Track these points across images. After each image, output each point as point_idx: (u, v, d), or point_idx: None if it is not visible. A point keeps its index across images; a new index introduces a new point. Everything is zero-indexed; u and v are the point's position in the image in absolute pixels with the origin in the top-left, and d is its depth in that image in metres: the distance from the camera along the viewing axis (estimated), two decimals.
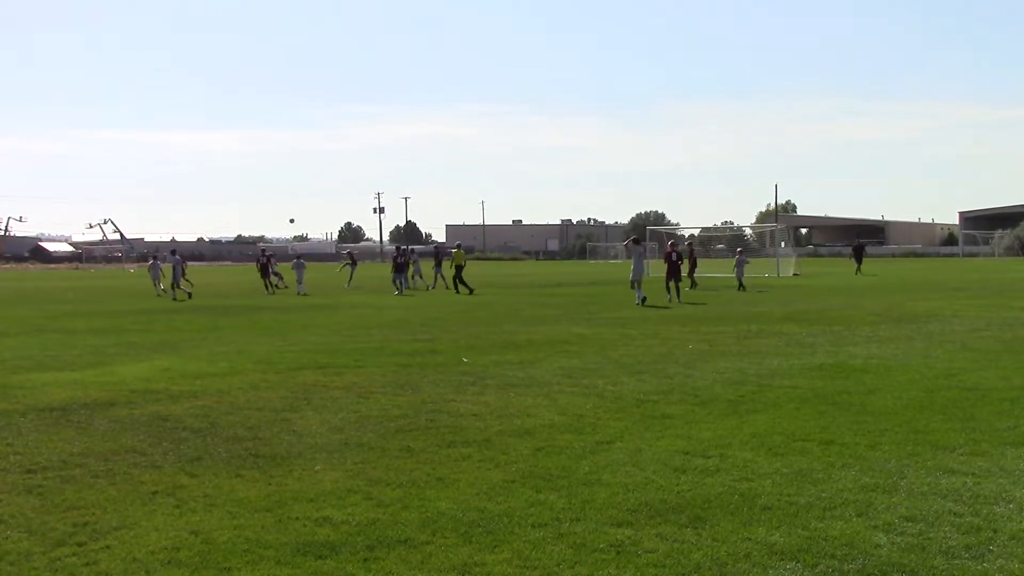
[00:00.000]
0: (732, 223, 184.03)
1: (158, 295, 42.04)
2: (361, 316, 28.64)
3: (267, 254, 46.47)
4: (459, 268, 42.84)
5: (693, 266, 43.26)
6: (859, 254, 64.24)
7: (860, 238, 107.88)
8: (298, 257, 46.06)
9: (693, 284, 42.01)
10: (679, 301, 32.63)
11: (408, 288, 43.63)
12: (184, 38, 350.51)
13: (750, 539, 6.79)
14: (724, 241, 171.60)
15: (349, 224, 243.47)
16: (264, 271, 45.13)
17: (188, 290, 40.14)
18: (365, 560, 6.47)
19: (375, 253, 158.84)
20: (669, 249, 35.14)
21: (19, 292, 49.49)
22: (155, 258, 46.49)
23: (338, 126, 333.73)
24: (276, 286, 45.05)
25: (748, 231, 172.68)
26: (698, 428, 10.63)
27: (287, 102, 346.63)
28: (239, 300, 38.67)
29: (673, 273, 34.33)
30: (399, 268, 41.98)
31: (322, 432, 10.62)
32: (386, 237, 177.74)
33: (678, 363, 16.04)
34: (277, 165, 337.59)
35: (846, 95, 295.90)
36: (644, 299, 31.27)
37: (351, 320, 27.17)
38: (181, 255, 42.64)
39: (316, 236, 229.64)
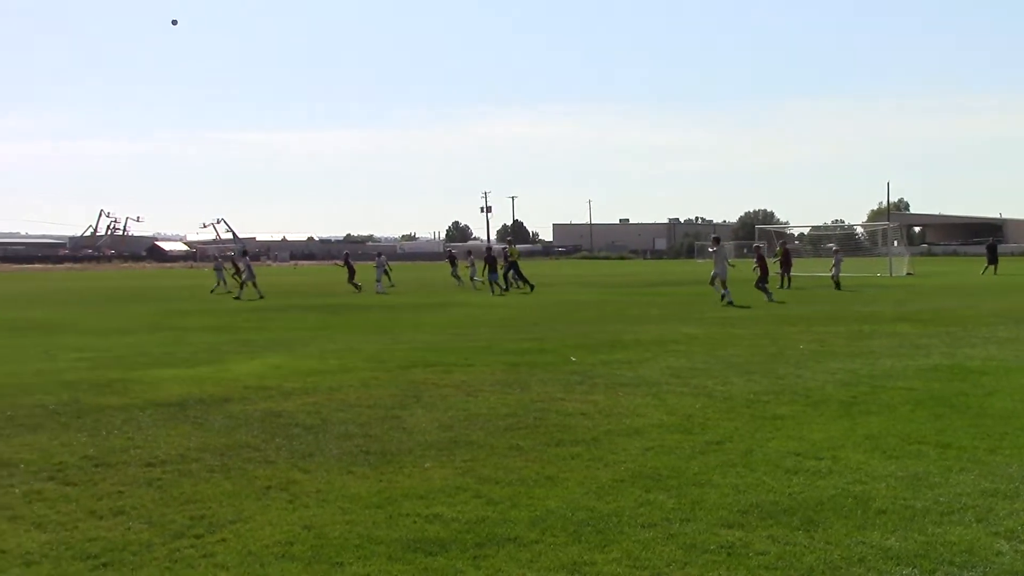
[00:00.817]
0: (843, 221, 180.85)
1: (211, 292, 44.36)
2: (469, 315, 28.79)
3: (345, 252, 47.80)
4: (514, 265, 42.85)
5: (788, 266, 42.45)
6: (993, 253, 61.37)
7: (976, 237, 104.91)
8: (379, 255, 46.61)
9: (786, 284, 41.12)
10: (770, 300, 32.16)
11: (474, 287, 43.94)
12: (296, 39, 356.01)
13: (864, 543, 6.67)
14: (835, 240, 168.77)
15: (456, 223, 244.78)
16: (351, 271, 45.82)
17: (237, 291, 40.59)
18: (474, 557, 6.51)
19: (481, 252, 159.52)
20: (778, 248, 34.59)
21: (137, 290, 50.74)
22: (219, 258, 48.26)
23: (447, 125, 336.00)
24: (357, 285, 45.10)
25: (859, 229, 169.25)
26: (810, 429, 10.48)
27: (396, 102, 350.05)
28: (348, 299, 39.13)
29: (764, 274, 34.09)
30: (493, 267, 41.86)
31: (432, 430, 10.70)
32: (493, 236, 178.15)
33: (789, 363, 15.82)
34: (386, 164, 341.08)
35: (958, 90, 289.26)
36: (726, 297, 30.79)
37: (459, 319, 27.33)
38: (251, 256, 43.47)
39: (424, 235, 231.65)
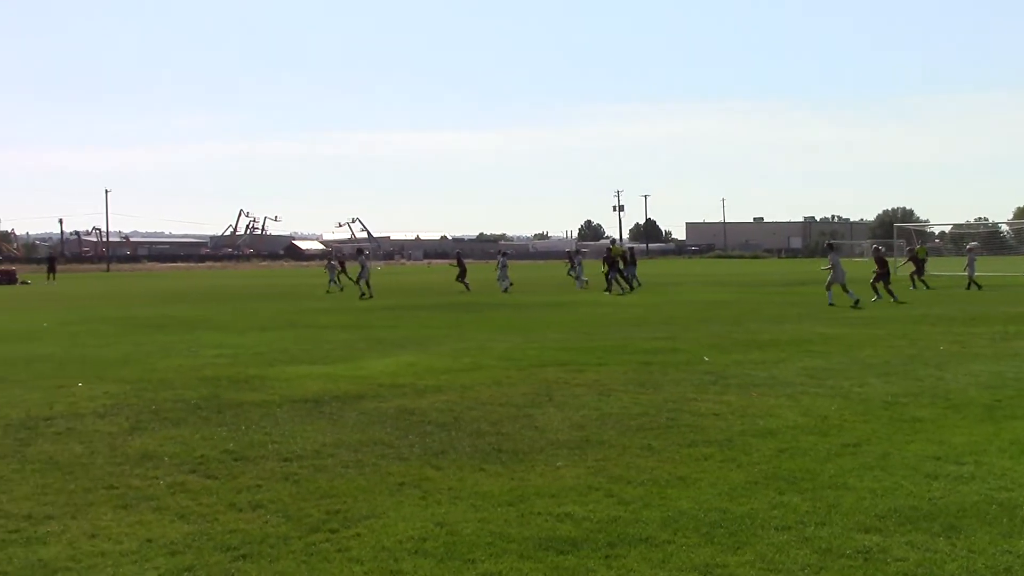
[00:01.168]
0: (986, 219, 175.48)
1: (328, 291, 44.73)
2: (601, 314, 28.73)
3: (456, 251, 48.37)
4: (613, 264, 42.26)
5: (920, 267, 41.20)
6: None
7: None
8: (503, 254, 46.67)
9: (918, 285, 39.93)
10: (894, 300, 31.32)
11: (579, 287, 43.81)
12: (431, 41, 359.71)
13: (1010, 552, 6.46)
14: (978, 238, 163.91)
15: (589, 222, 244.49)
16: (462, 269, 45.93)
17: (362, 290, 40.58)
18: (606, 557, 6.49)
19: (600, 251, 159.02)
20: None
21: (274, 288, 51.82)
22: (331, 258, 49.27)
23: (579, 124, 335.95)
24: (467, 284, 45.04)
25: (1004, 227, 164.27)
26: (951, 433, 10.19)
27: (529, 102, 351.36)
28: (480, 297, 39.37)
29: (885, 274, 33.12)
30: (613, 265, 41.35)
31: (564, 429, 10.70)
32: (625, 235, 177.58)
33: (928, 365, 15.42)
34: (520, 163, 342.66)
35: None
36: (852, 296, 30.06)
37: (591, 318, 27.29)
38: (367, 255, 43.92)
39: (556, 234, 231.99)
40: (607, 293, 39.32)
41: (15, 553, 6.75)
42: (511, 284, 43.79)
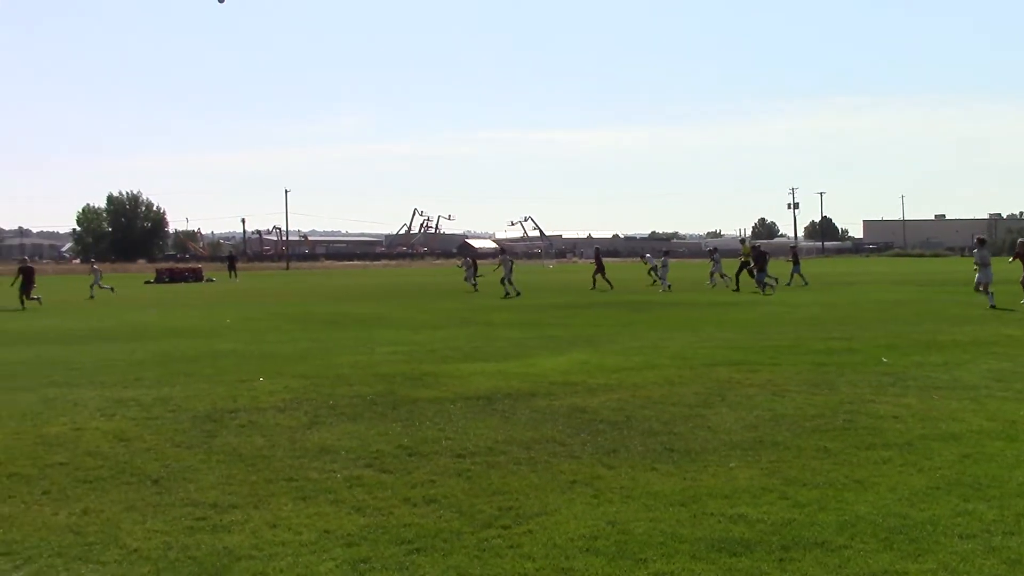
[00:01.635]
0: None
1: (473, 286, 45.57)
2: (773, 313, 28.25)
3: (596, 248, 48.79)
4: (744, 264, 41.24)
5: None
6: None
7: None
8: (665, 253, 46.43)
9: None
10: None
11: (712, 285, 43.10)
12: (604, 39, 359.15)
13: None
14: None
15: (763, 220, 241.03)
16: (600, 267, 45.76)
17: (506, 290, 40.56)
18: (780, 560, 6.37)
19: (786, 250, 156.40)
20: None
21: (448, 286, 52.46)
22: (466, 255, 50.57)
23: (755, 120, 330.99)
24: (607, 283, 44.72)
25: None
26: None
27: (703, 98, 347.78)
28: (651, 296, 39.16)
29: None
30: (762, 266, 40.40)
31: (736, 429, 10.56)
32: (800, 233, 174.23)
33: None
34: (692, 160, 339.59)
35: None
36: (991, 300, 28.35)
37: (764, 317, 26.86)
38: (508, 255, 44.07)
39: (730, 232, 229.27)
40: (762, 293, 38.47)
41: (202, 540, 7.01)
42: (669, 286, 43.17)
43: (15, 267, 41.47)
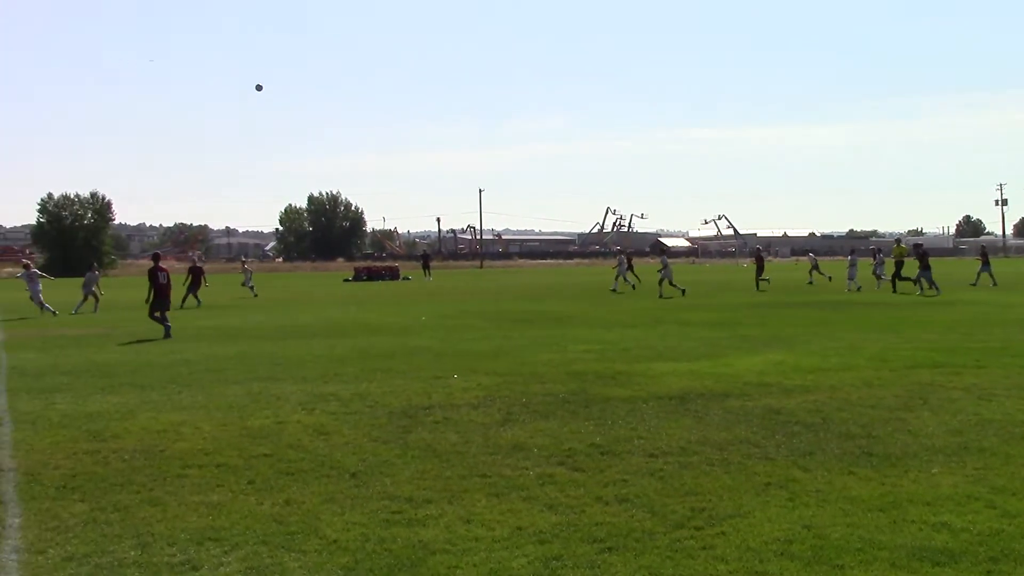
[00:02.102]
0: None
1: (617, 290, 44.98)
2: (980, 313, 27.16)
3: (756, 247, 47.92)
4: (899, 264, 39.50)
5: None
6: None
7: None
8: (852, 252, 45.32)
9: None
10: None
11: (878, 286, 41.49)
12: (801, 34, 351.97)
13: None
14: None
15: (968, 217, 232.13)
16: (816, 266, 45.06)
17: (661, 291, 40.13)
18: (988, 572, 6.12)
19: (996, 249, 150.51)
20: None
21: (639, 285, 52.27)
22: (622, 253, 51.36)
23: (957, 114, 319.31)
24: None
25: None
26: None
27: (895, 92, 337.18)
28: (851, 296, 38.17)
29: None
30: (926, 265, 38.56)
31: (939, 434, 10.20)
32: (1009, 231, 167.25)
33: None
34: (893, 156, 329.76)
35: None
36: None
37: (970, 317, 25.83)
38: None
39: (932, 230, 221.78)
40: (922, 295, 36.90)
41: (398, 533, 7.17)
42: (860, 287, 41.92)
43: (235, 265, 42.76)
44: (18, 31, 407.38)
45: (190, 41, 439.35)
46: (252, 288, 47.64)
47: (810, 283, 48.19)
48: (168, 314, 24.89)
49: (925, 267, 38.24)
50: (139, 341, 22.85)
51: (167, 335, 23.66)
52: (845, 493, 8.00)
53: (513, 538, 7.00)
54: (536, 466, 9.14)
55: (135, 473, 9.13)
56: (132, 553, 6.80)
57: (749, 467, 8.95)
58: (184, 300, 36.48)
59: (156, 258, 27.20)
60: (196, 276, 37.73)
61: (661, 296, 38.80)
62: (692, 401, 12.52)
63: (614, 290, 44.49)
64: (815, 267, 52.14)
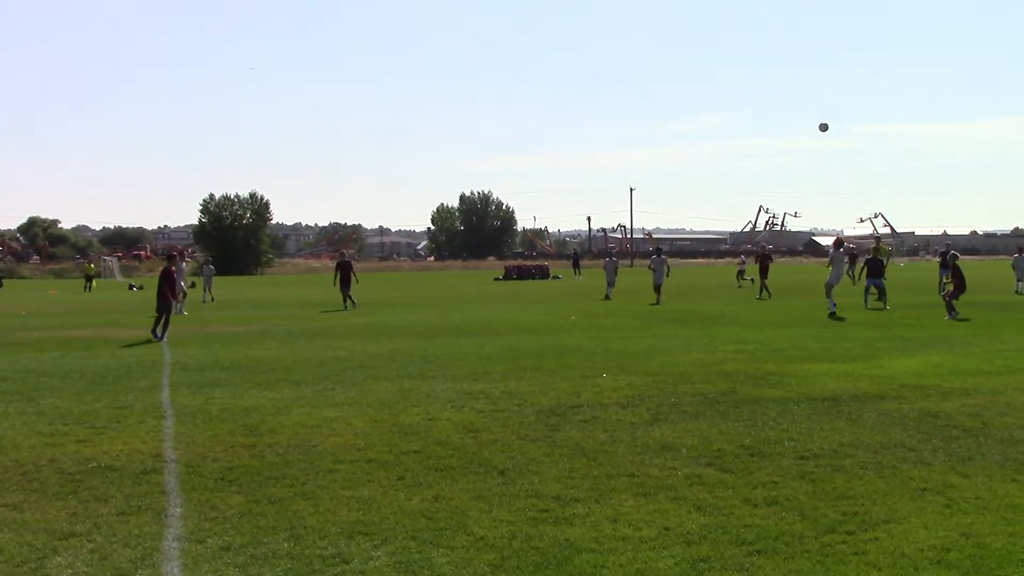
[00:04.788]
0: None
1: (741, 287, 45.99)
2: None
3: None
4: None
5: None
6: None
7: None
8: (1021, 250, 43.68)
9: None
10: None
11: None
12: (954, 28, 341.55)
13: None
14: None
15: None
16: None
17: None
18: None
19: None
20: None
21: (795, 285, 51.40)
22: (744, 253, 51.47)
23: None
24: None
25: None
26: None
27: None
28: (1019, 297, 36.87)
29: None
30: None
31: None
32: None
33: None
34: None
35: None
36: None
37: None
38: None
39: None
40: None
41: (545, 531, 7.17)
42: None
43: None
44: (181, 40, 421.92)
45: (352, 41, 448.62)
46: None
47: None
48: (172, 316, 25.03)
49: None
50: (292, 336, 23.41)
51: (159, 338, 23.36)
52: (1007, 501, 7.72)
53: (660, 539, 6.94)
54: (684, 466, 9.06)
55: (289, 467, 9.35)
56: (285, 545, 6.96)
57: (904, 472, 8.71)
58: (345, 301, 36.17)
59: (171, 259, 26.97)
60: (345, 272, 36.21)
61: (769, 296, 38.30)
62: (845, 403, 12.25)
63: (739, 287, 45.82)
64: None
